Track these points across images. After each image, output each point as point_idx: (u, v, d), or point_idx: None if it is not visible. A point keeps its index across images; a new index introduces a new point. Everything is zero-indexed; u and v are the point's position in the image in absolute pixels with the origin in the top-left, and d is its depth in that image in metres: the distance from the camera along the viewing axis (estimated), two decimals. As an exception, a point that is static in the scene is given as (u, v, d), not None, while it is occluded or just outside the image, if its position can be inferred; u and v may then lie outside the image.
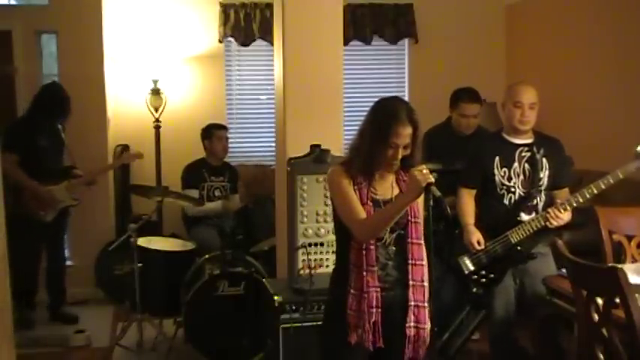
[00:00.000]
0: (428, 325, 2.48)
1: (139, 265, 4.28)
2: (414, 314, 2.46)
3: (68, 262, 5.43)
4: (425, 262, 2.50)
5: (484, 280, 3.59)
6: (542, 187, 3.50)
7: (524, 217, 3.48)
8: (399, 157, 2.41)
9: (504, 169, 3.52)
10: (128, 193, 5.74)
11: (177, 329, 4.33)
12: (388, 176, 2.51)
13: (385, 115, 2.41)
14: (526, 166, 3.50)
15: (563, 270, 2.96)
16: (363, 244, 2.42)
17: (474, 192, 3.65)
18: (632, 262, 3.47)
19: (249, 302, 4.04)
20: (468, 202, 3.65)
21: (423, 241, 2.49)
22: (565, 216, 3.39)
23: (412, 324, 2.46)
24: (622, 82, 4.72)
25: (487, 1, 6.27)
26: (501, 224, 3.52)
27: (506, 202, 3.53)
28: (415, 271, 2.47)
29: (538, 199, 3.50)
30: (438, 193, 2.29)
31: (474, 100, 4.43)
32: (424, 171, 2.31)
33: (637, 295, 2.44)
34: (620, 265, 2.82)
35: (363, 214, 2.41)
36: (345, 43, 4.78)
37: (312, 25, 3.74)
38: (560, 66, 5.37)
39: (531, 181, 3.48)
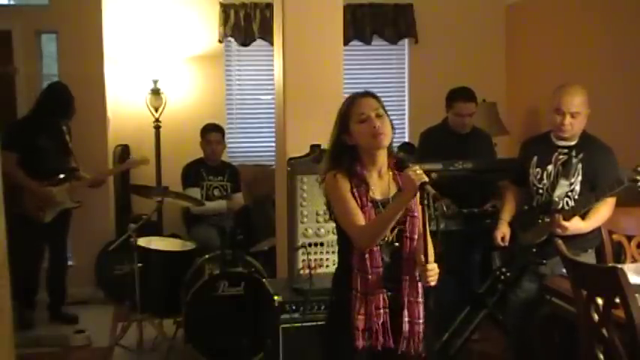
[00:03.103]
0: (422, 320, 2.45)
1: (139, 265, 4.28)
2: (408, 310, 2.44)
3: (68, 262, 5.42)
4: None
5: (503, 277, 3.60)
6: (572, 194, 3.36)
7: (547, 220, 3.39)
8: (377, 124, 2.38)
9: (538, 169, 3.46)
10: (128, 193, 5.74)
11: (177, 329, 4.34)
12: (385, 176, 2.49)
13: (342, 105, 2.51)
14: (560, 169, 3.39)
15: (563, 270, 2.96)
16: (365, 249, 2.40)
17: (518, 187, 3.63)
18: (632, 262, 3.48)
19: (249, 302, 4.04)
20: (508, 197, 3.68)
21: (416, 237, 2.47)
22: (571, 225, 3.25)
23: (406, 319, 2.44)
24: (622, 83, 4.72)
25: (487, 1, 6.26)
26: (526, 224, 3.51)
27: (534, 202, 3.49)
28: (409, 266, 2.45)
29: (564, 204, 3.36)
30: (432, 192, 2.29)
31: (469, 99, 4.42)
32: (418, 171, 2.30)
33: (637, 295, 2.44)
34: (620, 265, 2.83)
35: (361, 221, 2.38)
36: (345, 43, 4.78)
37: (312, 25, 3.74)
38: (560, 66, 5.36)
39: (552, 185, 3.41)
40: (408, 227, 2.44)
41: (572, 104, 3.31)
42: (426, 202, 2.28)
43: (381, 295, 2.41)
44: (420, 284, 2.45)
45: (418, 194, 2.31)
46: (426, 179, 2.27)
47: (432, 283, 2.32)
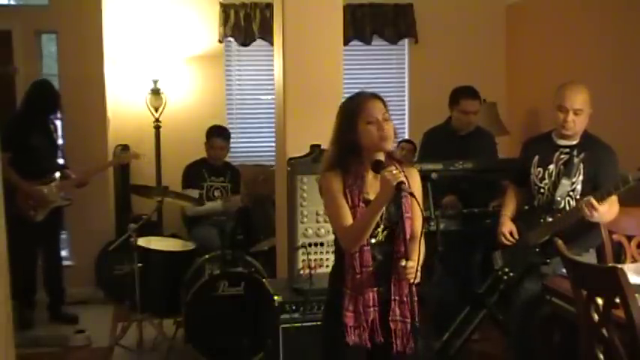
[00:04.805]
0: (409, 320, 2.47)
1: (139, 265, 4.28)
2: (399, 308, 2.47)
3: (68, 262, 5.43)
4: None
5: (505, 277, 3.59)
6: (574, 194, 3.34)
7: (549, 220, 3.39)
8: (385, 128, 2.42)
9: (539, 168, 3.45)
10: (128, 193, 5.74)
11: (177, 329, 4.34)
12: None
13: (349, 103, 2.52)
14: (562, 168, 3.38)
15: (563, 270, 2.96)
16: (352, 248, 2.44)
17: (520, 187, 3.61)
18: (632, 262, 3.48)
19: (249, 302, 4.04)
20: (510, 195, 3.66)
21: (409, 237, 2.47)
22: (602, 208, 3.12)
23: (398, 318, 2.47)
24: (622, 83, 4.72)
25: (487, 1, 6.26)
26: (527, 224, 3.50)
27: (535, 202, 3.48)
28: (398, 264, 2.45)
29: (566, 204, 3.35)
30: (409, 191, 2.31)
31: (474, 97, 4.46)
32: (394, 171, 2.32)
33: (637, 295, 2.44)
34: (620, 265, 2.83)
35: (348, 221, 2.43)
36: (345, 43, 4.78)
37: (312, 25, 3.74)
38: (560, 66, 5.36)
39: (554, 185, 3.39)
40: (399, 228, 2.45)
41: (575, 101, 3.31)
42: (402, 200, 2.31)
43: (371, 294, 2.45)
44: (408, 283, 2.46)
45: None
46: (402, 179, 2.30)
47: (411, 281, 2.35)
